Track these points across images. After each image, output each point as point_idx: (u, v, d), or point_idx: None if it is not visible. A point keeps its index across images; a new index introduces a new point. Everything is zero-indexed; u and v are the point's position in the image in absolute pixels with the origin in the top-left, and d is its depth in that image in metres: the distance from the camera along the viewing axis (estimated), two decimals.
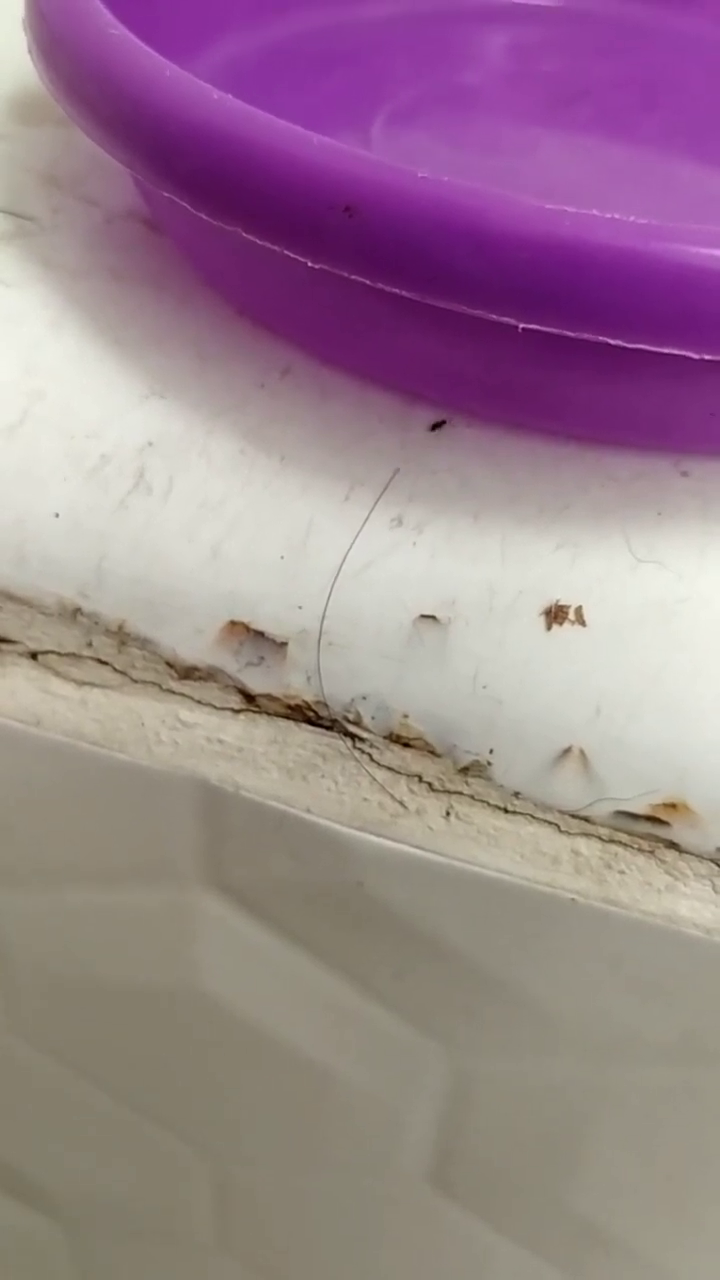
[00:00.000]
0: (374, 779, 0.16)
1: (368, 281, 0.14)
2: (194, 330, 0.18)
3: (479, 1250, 0.25)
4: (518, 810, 0.16)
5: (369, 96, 0.24)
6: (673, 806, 0.16)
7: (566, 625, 0.16)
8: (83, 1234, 0.30)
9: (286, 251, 0.14)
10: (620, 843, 0.16)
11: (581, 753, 0.16)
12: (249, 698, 0.17)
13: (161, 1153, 0.26)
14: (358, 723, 0.16)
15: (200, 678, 0.17)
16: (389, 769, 0.16)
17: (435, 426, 0.16)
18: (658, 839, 0.16)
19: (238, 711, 0.17)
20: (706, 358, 0.13)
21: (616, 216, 0.13)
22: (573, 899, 0.16)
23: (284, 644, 0.16)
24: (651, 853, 0.16)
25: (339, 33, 0.25)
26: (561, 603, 0.16)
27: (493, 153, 0.24)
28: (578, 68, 0.26)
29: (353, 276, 0.14)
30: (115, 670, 0.17)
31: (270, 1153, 0.24)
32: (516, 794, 0.16)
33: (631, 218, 0.13)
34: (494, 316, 0.13)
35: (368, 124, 0.23)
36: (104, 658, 0.17)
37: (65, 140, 0.21)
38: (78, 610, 0.17)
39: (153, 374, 0.18)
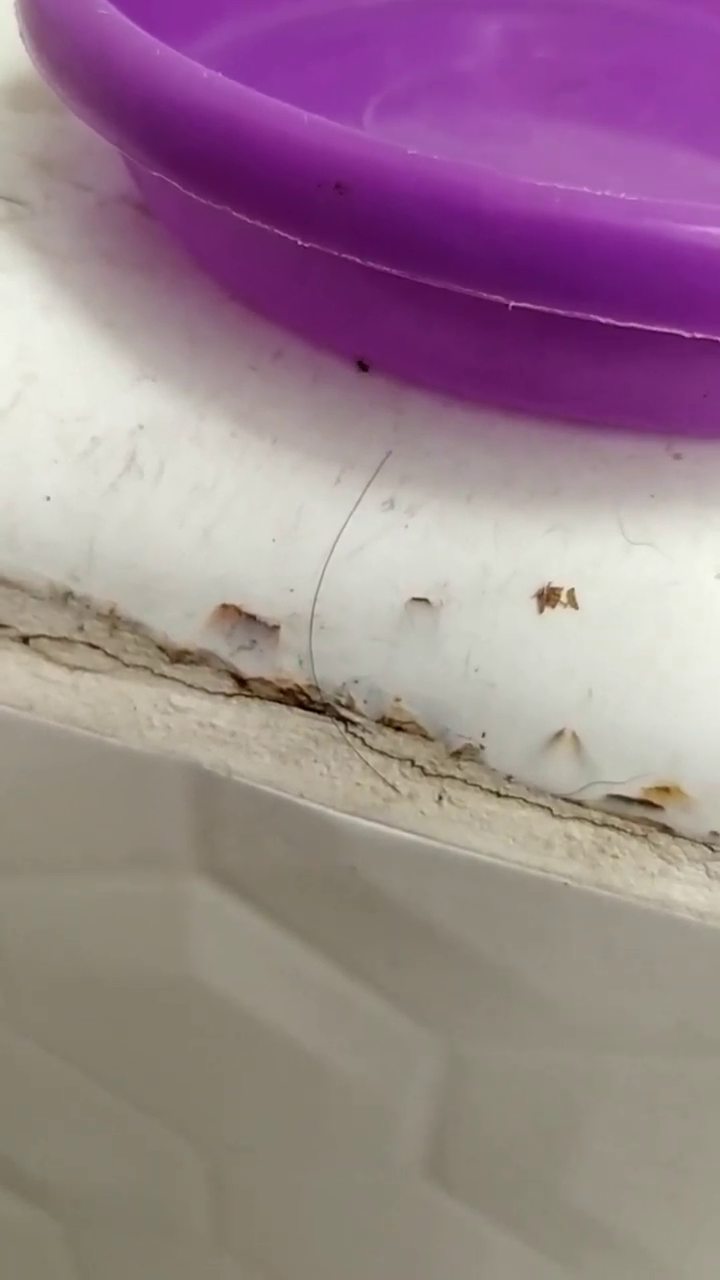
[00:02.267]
0: (366, 763, 0.16)
1: (358, 260, 0.14)
2: (185, 313, 0.18)
3: (475, 1242, 0.24)
4: (510, 794, 0.16)
5: (362, 83, 0.24)
6: (666, 790, 0.15)
7: (559, 608, 0.15)
8: (79, 1228, 0.30)
9: (277, 230, 0.14)
10: (613, 826, 0.16)
11: (574, 736, 0.15)
12: (241, 682, 0.17)
13: (157, 1146, 0.26)
14: (350, 706, 0.16)
15: (192, 661, 0.17)
16: (381, 753, 0.16)
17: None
18: (651, 822, 0.16)
19: (230, 696, 0.17)
20: (698, 336, 0.13)
21: (607, 193, 0.13)
22: (566, 883, 0.16)
23: (276, 627, 0.16)
24: (645, 836, 0.16)
25: (333, 20, 0.25)
26: (554, 585, 0.16)
27: (486, 140, 0.24)
28: (573, 56, 0.26)
29: (343, 255, 0.14)
30: (107, 654, 0.17)
31: (265, 1144, 0.24)
32: (509, 778, 0.16)
33: (623, 194, 0.13)
34: (484, 294, 0.13)
35: (361, 111, 0.23)
36: (95, 642, 0.17)
37: (58, 126, 0.21)
38: (69, 594, 0.17)
39: (144, 357, 0.17)
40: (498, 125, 0.24)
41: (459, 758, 0.16)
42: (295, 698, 0.16)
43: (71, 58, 0.16)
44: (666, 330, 0.13)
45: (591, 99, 0.25)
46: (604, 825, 0.16)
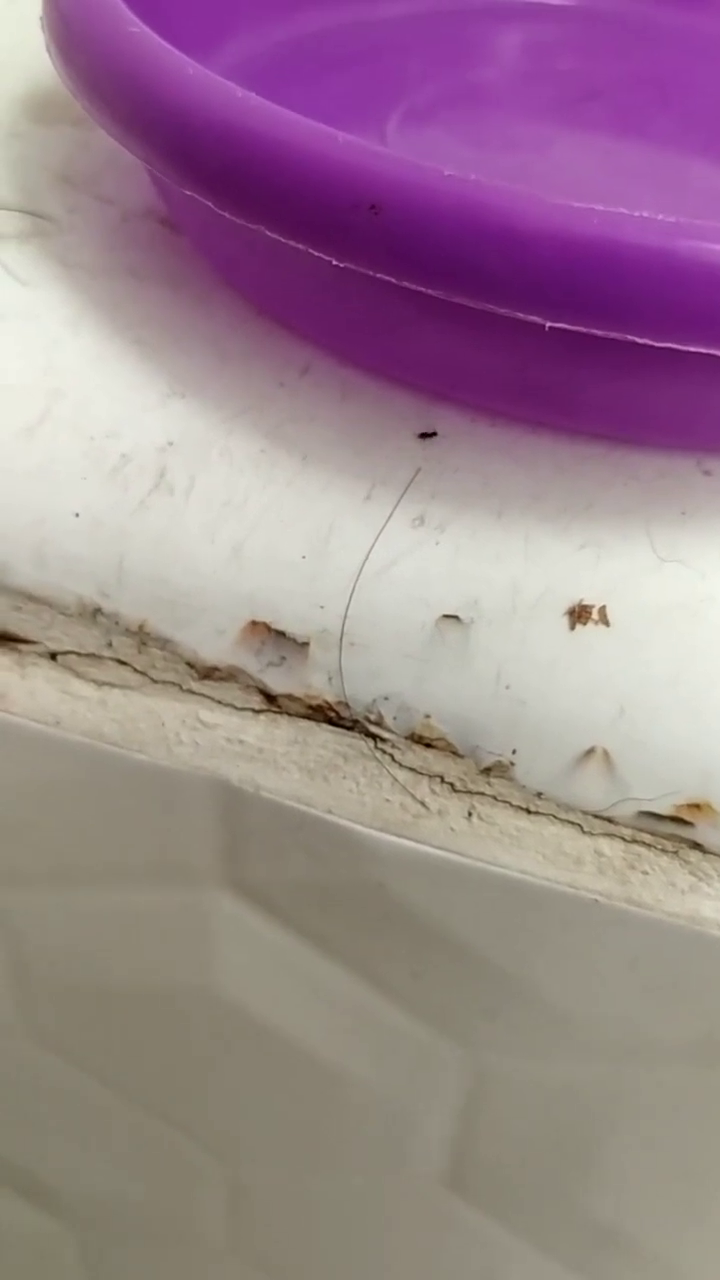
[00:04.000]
0: (395, 780, 0.16)
1: (393, 280, 0.14)
2: (213, 329, 0.18)
3: (494, 1252, 0.25)
4: (540, 811, 0.16)
5: (384, 95, 0.24)
6: (697, 807, 0.15)
7: (590, 625, 0.15)
8: (94, 1236, 0.30)
9: (311, 250, 0.14)
10: (643, 843, 0.16)
11: (605, 753, 0.15)
12: (270, 698, 0.17)
13: (174, 1155, 0.26)
14: (379, 723, 0.16)
15: (221, 678, 0.17)
16: (411, 769, 0.16)
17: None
18: (681, 839, 0.16)
19: (258, 712, 0.17)
20: None
21: (645, 214, 0.13)
22: (595, 900, 0.16)
23: (305, 644, 0.16)
24: (675, 853, 0.16)
25: (353, 31, 0.25)
26: (585, 602, 0.16)
27: (508, 151, 0.24)
28: (592, 66, 0.26)
29: (378, 275, 0.14)
30: (135, 670, 0.17)
31: (284, 1154, 0.24)
32: (539, 794, 0.16)
33: (660, 216, 0.13)
34: (521, 315, 0.13)
35: (383, 123, 0.23)
36: (124, 658, 0.17)
37: (80, 139, 0.21)
38: (98, 610, 0.17)
39: (172, 373, 0.17)
40: (519, 136, 0.24)
41: (489, 774, 0.16)
42: (324, 714, 0.16)
43: (103, 76, 0.16)
44: (702, 351, 0.13)
45: (612, 109, 0.25)
46: (634, 842, 0.16)
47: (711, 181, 0.24)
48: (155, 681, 0.17)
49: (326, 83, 0.25)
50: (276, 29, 0.25)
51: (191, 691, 0.17)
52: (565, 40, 0.26)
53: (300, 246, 0.14)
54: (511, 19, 0.26)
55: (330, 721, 0.17)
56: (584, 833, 0.16)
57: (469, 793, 0.16)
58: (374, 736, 0.16)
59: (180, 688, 0.17)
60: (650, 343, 0.13)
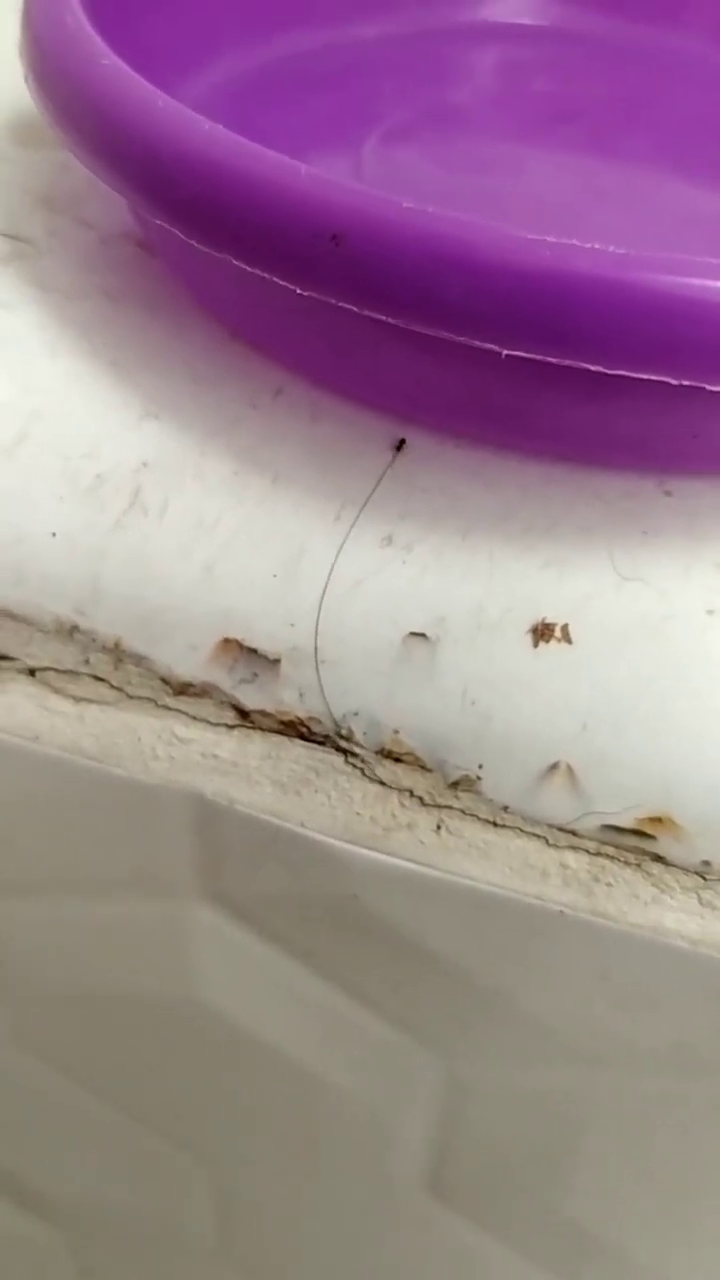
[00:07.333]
0: (366, 793, 0.17)
1: (354, 309, 0.14)
2: (188, 352, 0.18)
3: (475, 1257, 0.25)
4: (507, 824, 0.16)
5: (361, 116, 0.24)
6: (658, 820, 0.16)
7: (553, 642, 0.16)
8: (83, 1241, 0.30)
9: (276, 279, 0.14)
10: (607, 856, 0.16)
11: (569, 767, 0.16)
12: (243, 714, 0.17)
13: (161, 1160, 0.26)
14: (350, 738, 0.17)
15: (195, 694, 0.17)
16: (381, 783, 0.17)
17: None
18: (644, 852, 0.16)
19: (232, 727, 0.17)
20: (685, 383, 0.13)
21: (596, 246, 0.13)
22: (561, 911, 0.16)
23: (277, 661, 0.16)
24: (638, 866, 0.16)
25: (331, 53, 0.26)
26: (548, 620, 0.16)
27: (483, 172, 0.24)
28: (567, 87, 0.26)
29: (340, 303, 0.14)
30: (112, 686, 0.17)
31: (269, 1161, 0.25)
32: (505, 808, 0.16)
33: (611, 248, 0.13)
34: (477, 343, 0.14)
35: (360, 143, 0.24)
36: (101, 674, 0.17)
37: (62, 163, 0.22)
38: (74, 628, 0.17)
39: (148, 395, 0.18)
40: (495, 157, 0.25)
41: (456, 788, 0.16)
42: (296, 729, 0.17)
43: (75, 107, 0.16)
44: (654, 378, 0.13)
45: (586, 129, 0.25)
46: (598, 854, 0.16)
47: (687, 201, 0.25)
48: (131, 697, 0.17)
49: (308, 103, 0.25)
50: (260, 51, 0.25)
51: (166, 707, 0.17)
52: (540, 61, 0.27)
53: (266, 275, 0.14)
54: (488, 40, 0.27)
55: (302, 736, 0.17)
56: (549, 845, 0.16)
57: (437, 806, 0.17)
58: (345, 751, 0.17)
59: (155, 703, 0.17)
60: (603, 370, 0.13)
